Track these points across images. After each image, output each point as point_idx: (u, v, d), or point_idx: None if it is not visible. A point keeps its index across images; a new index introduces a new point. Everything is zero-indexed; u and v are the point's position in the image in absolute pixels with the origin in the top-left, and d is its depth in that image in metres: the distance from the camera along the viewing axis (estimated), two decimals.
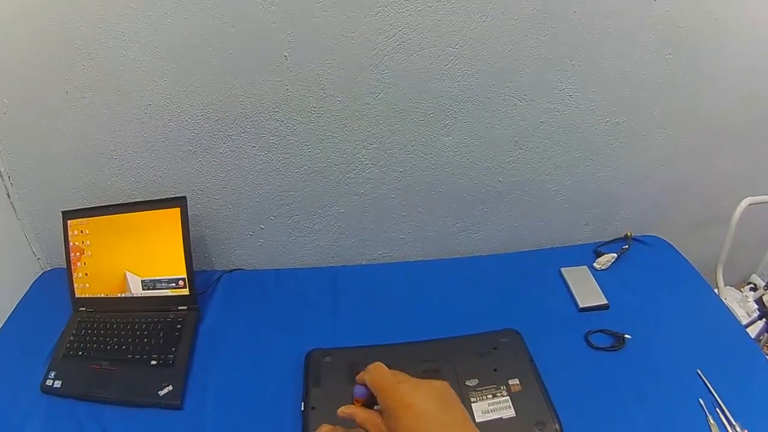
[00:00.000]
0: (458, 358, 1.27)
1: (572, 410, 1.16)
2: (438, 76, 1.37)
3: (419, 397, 0.61)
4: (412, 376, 1.08)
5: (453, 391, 0.63)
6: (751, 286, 1.79)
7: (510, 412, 1.15)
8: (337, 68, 1.34)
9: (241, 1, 1.24)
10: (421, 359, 1.27)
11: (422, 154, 1.50)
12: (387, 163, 1.51)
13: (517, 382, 1.21)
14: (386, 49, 1.32)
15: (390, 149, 1.48)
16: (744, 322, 1.70)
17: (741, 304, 1.72)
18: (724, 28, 1.41)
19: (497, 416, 1.15)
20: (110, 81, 1.34)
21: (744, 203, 1.56)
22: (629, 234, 1.68)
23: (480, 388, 1.20)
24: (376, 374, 0.67)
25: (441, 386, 0.63)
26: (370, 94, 1.39)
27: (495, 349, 1.30)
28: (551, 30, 1.35)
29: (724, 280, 1.67)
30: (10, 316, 1.49)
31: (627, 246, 1.64)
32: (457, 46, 1.34)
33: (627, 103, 1.49)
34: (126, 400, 1.25)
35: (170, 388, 1.25)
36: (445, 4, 1.28)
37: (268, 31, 1.28)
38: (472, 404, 1.16)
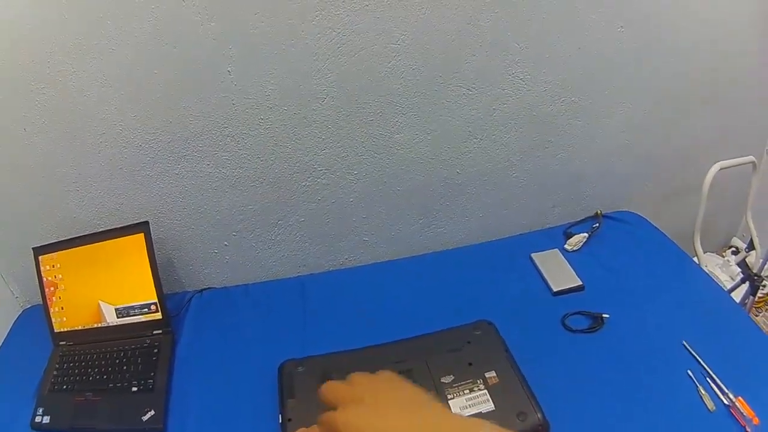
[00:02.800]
0: (431, 356, 1.26)
1: (555, 397, 1.14)
2: (382, 75, 1.37)
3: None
4: None
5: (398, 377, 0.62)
6: (733, 249, 1.78)
7: (489, 406, 1.14)
8: (280, 77, 1.34)
9: (180, 21, 1.25)
10: (393, 360, 1.25)
11: (375, 155, 1.50)
12: (341, 168, 1.51)
13: (494, 374, 1.20)
14: (327, 52, 1.32)
15: (342, 153, 1.48)
16: (728, 287, 1.68)
17: (723, 269, 1.70)
18: None
19: (476, 411, 1.13)
20: (64, 114, 1.35)
21: (714, 168, 1.54)
22: (599, 212, 1.66)
23: (456, 384, 1.18)
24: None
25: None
26: (316, 100, 1.38)
27: (469, 342, 1.28)
28: (494, 14, 1.34)
29: (703, 247, 1.64)
30: None
31: (597, 224, 1.62)
32: (398, 42, 1.33)
33: (582, 81, 1.48)
34: (112, 429, 1.28)
35: (152, 412, 1.27)
36: (381, 2, 1.27)
37: (208, 48, 1.29)
38: (449, 401, 1.15)
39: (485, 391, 1.16)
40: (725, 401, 1.11)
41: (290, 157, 1.47)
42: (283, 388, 1.24)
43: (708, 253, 1.70)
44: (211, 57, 1.30)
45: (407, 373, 1.22)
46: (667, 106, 1.59)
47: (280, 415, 1.19)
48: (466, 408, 1.13)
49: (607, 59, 1.46)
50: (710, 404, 1.11)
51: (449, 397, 1.16)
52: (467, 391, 1.17)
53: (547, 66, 1.43)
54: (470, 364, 1.22)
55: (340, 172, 1.51)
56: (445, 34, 1.34)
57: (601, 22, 1.40)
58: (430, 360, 1.24)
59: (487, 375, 1.19)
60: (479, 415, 1.11)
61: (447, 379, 1.19)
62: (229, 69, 1.31)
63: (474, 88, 1.43)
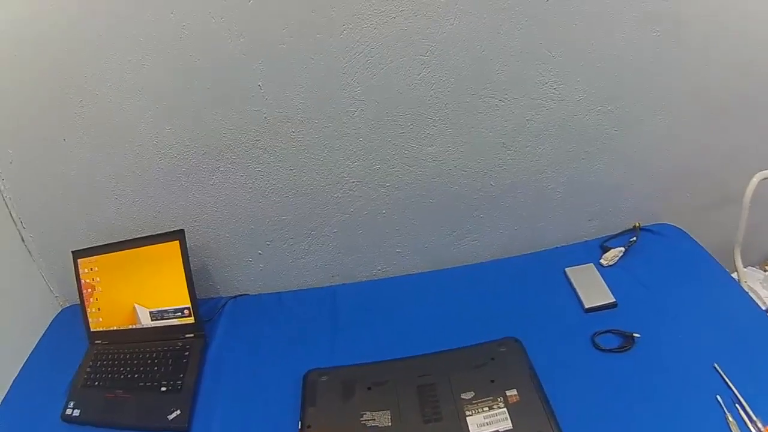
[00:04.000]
0: (454, 371, 1.25)
1: (577, 418, 1.12)
2: (412, 87, 1.37)
3: None
4: (407, 391, 1.17)
5: None
6: None
7: (507, 425, 1.12)
8: (310, 91, 1.36)
9: (211, 37, 1.29)
10: (417, 374, 1.26)
11: (407, 167, 1.49)
12: (372, 180, 1.51)
13: (515, 392, 1.18)
14: (355, 66, 1.33)
15: (373, 165, 1.48)
16: None
17: (765, 285, 1.61)
18: None
19: (493, 429, 1.12)
20: (102, 126, 1.42)
21: (756, 179, 1.45)
22: (637, 225, 1.59)
23: (476, 401, 1.17)
24: None
25: None
26: (346, 113, 1.39)
27: (492, 359, 1.27)
28: (525, 23, 1.31)
29: (746, 260, 1.55)
30: (33, 351, 1.58)
31: (635, 238, 1.56)
32: (427, 54, 1.32)
33: (617, 89, 1.43)
34: (138, 426, 1.33)
35: (178, 412, 1.31)
36: (408, 14, 1.27)
37: (239, 63, 1.32)
38: (467, 418, 1.14)
39: (504, 409, 1.15)
40: (753, 430, 1.05)
41: (322, 169, 1.49)
42: (306, 396, 1.27)
43: (749, 268, 1.62)
44: (242, 72, 1.33)
45: (429, 388, 1.22)
46: (705, 114, 1.52)
47: (300, 422, 1.21)
48: (484, 426, 1.12)
49: (643, 66, 1.40)
50: None
51: (468, 413, 1.15)
52: (486, 408, 1.15)
53: (581, 74, 1.39)
54: (492, 381, 1.21)
55: (372, 184, 1.52)
56: (474, 44, 1.32)
57: (635, 27, 1.34)
58: (453, 375, 1.24)
59: (508, 393, 1.18)
60: None
61: (467, 396, 1.18)
62: (259, 83, 1.34)
63: (506, 98, 1.40)
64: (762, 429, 1.05)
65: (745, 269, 1.52)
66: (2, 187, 1.54)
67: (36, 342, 1.62)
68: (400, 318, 1.50)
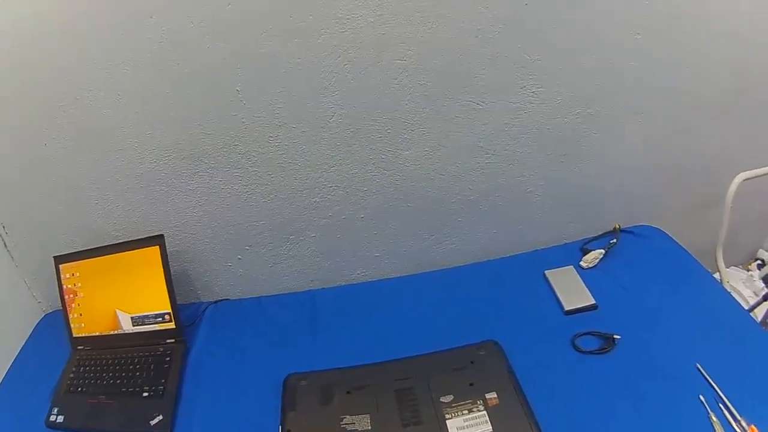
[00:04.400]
0: (433, 375, 1.26)
1: (558, 420, 1.13)
2: (389, 91, 1.37)
3: None
4: (386, 395, 1.18)
5: None
6: (759, 262, 1.69)
7: (487, 427, 1.13)
8: (289, 96, 1.37)
9: (191, 42, 1.29)
10: (396, 378, 1.26)
11: (385, 171, 1.50)
12: (351, 184, 1.52)
13: (495, 395, 1.19)
14: (333, 70, 1.33)
15: (351, 170, 1.49)
16: (751, 303, 1.60)
17: (747, 284, 1.63)
18: None
19: None
20: (82, 130, 1.41)
21: (738, 179, 1.47)
22: (617, 227, 1.61)
23: (455, 404, 1.18)
24: None
25: None
26: (324, 117, 1.40)
27: (472, 362, 1.28)
28: (502, 27, 1.32)
29: (728, 260, 1.57)
30: (16, 357, 1.57)
31: (615, 240, 1.57)
32: (405, 58, 1.33)
33: (597, 92, 1.44)
34: (121, 431, 1.34)
35: (161, 417, 1.32)
36: (386, 18, 1.28)
37: (218, 68, 1.33)
38: (447, 421, 1.15)
39: (484, 412, 1.15)
40: (737, 429, 1.06)
41: (301, 174, 1.49)
42: (286, 401, 1.27)
43: (732, 267, 1.63)
44: (221, 76, 1.33)
45: (408, 392, 1.23)
46: (685, 115, 1.53)
47: (280, 426, 1.21)
48: (464, 429, 1.13)
49: (623, 69, 1.42)
50: None
51: (447, 417, 1.16)
52: (466, 411, 1.16)
53: (561, 78, 1.40)
54: (471, 384, 1.22)
55: (350, 188, 1.52)
56: (452, 48, 1.33)
57: (616, 31, 1.36)
58: (432, 379, 1.24)
59: (487, 396, 1.18)
60: None
61: (446, 399, 1.19)
62: (237, 88, 1.34)
63: (484, 102, 1.41)
64: (746, 427, 1.06)
65: (727, 269, 1.54)
66: None
67: (19, 348, 1.60)
68: (379, 322, 1.50)
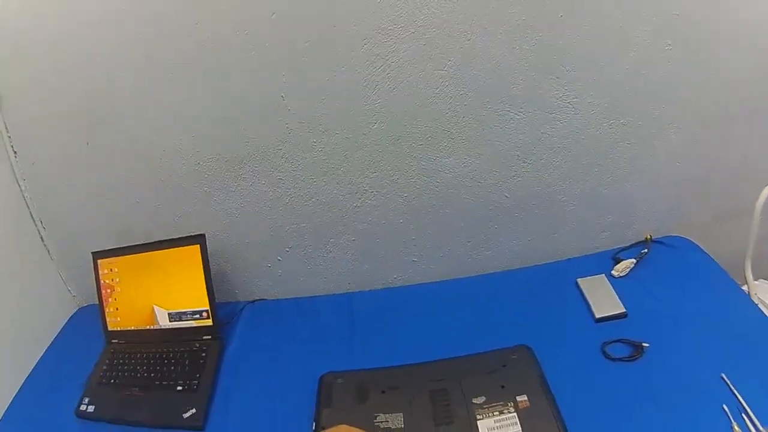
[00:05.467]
0: (466, 377, 1.28)
1: (586, 424, 1.14)
2: (430, 100, 1.40)
3: None
4: (420, 395, 1.25)
5: None
6: None
7: (516, 429, 1.15)
8: (332, 103, 1.41)
9: (236, 49, 1.34)
10: (430, 379, 1.28)
11: (424, 178, 1.53)
12: (391, 190, 1.54)
13: (526, 398, 1.20)
14: (376, 79, 1.37)
15: (392, 176, 1.52)
16: None
17: None
18: (723, 6, 1.35)
19: None
20: (125, 131, 1.47)
21: (767, 190, 1.44)
22: (648, 237, 1.61)
23: (487, 406, 1.20)
24: None
25: None
26: (366, 125, 1.43)
27: (504, 366, 1.29)
28: (539, 38, 1.35)
29: (758, 273, 1.55)
30: (48, 348, 1.62)
31: (646, 250, 1.58)
32: (445, 68, 1.36)
33: (630, 102, 1.46)
34: (153, 423, 1.35)
35: (194, 411, 1.34)
36: (427, 29, 1.32)
37: (262, 75, 1.38)
38: (478, 422, 1.17)
39: (515, 414, 1.17)
40: None
41: (341, 179, 1.52)
42: (321, 398, 1.30)
43: (761, 280, 1.62)
44: (265, 84, 1.39)
45: (441, 392, 1.25)
46: (717, 125, 1.53)
47: (314, 423, 1.24)
48: (494, 429, 1.15)
49: (655, 79, 1.43)
50: None
51: (479, 417, 1.17)
52: (497, 413, 1.18)
53: (595, 88, 1.42)
54: (503, 386, 1.23)
55: (390, 194, 1.55)
56: (491, 59, 1.36)
57: (648, 41, 1.37)
58: (465, 381, 1.26)
59: (518, 399, 1.20)
60: None
61: (479, 400, 1.21)
62: (282, 95, 1.39)
63: (522, 112, 1.43)
64: None
65: (756, 282, 1.53)
66: (24, 188, 1.59)
67: (51, 340, 1.65)
68: (415, 325, 1.52)
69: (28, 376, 1.53)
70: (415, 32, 1.31)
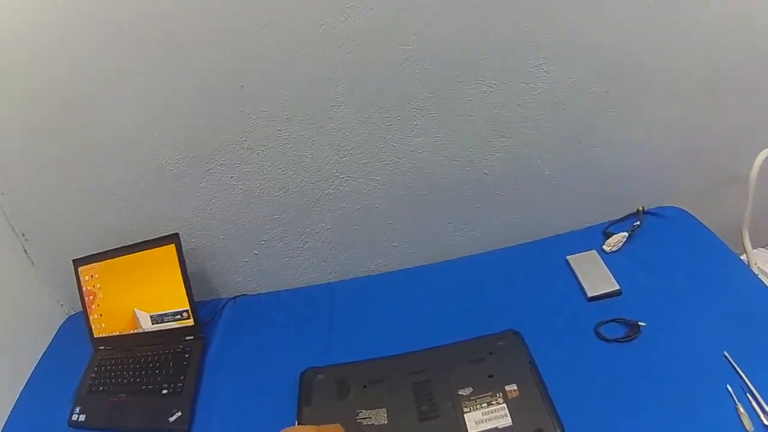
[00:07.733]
0: (451, 367, 1.23)
1: (581, 412, 1.10)
2: (395, 77, 1.34)
3: None
4: (403, 389, 1.21)
5: None
6: None
7: (506, 421, 1.10)
8: (293, 88, 1.36)
9: (191, 43, 1.29)
10: (412, 371, 1.24)
11: (396, 159, 1.47)
12: (362, 174, 1.50)
13: (515, 387, 1.16)
14: (337, 60, 1.32)
15: (362, 159, 1.47)
16: None
17: None
18: None
19: (492, 426, 1.10)
20: (94, 132, 1.43)
21: (762, 155, 1.39)
22: (641, 208, 1.54)
23: (474, 397, 1.15)
24: None
25: None
26: (330, 108, 1.38)
27: (491, 353, 1.24)
28: (510, 5, 1.27)
29: (753, 242, 1.49)
30: (40, 360, 1.61)
31: (639, 222, 1.51)
32: (409, 43, 1.30)
33: (612, 69, 1.38)
34: (141, 428, 1.37)
35: (179, 413, 1.34)
36: (387, 2, 1.24)
37: (220, 65, 1.33)
38: (465, 414, 1.12)
39: (504, 405, 1.12)
40: (765, 421, 1.00)
41: (311, 166, 1.48)
42: (302, 395, 1.27)
43: (759, 249, 1.55)
44: (223, 74, 1.34)
45: (425, 384, 1.21)
46: (705, 91, 1.45)
47: (296, 421, 1.21)
48: (482, 422, 1.10)
49: (637, 44, 1.35)
50: (748, 424, 1.00)
51: (465, 410, 1.13)
52: (485, 404, 1.13)
53: (574, 56, 1.35)
54: (491, 376, 1.19)
55: (362, 179, 1.50)
56: (459, 30, 1.29)
57: (627, 3, 1.29)
58: (450, 371, 1.22)
59: (507, 388, 1.15)
60: (495, 430, 1.08)
61: (465, 392, 1.16)
62: (241, 84, 1.34)
63: (494, 84, 1.36)
64: None
65: (754, 250, 1.46)
66: (2, 202, 1.56)
67: (43, 350, 1.64)
68: (398, 313, 1.49)
69: (23, 389, 1.52)
70: (373, 8, 1.25)
